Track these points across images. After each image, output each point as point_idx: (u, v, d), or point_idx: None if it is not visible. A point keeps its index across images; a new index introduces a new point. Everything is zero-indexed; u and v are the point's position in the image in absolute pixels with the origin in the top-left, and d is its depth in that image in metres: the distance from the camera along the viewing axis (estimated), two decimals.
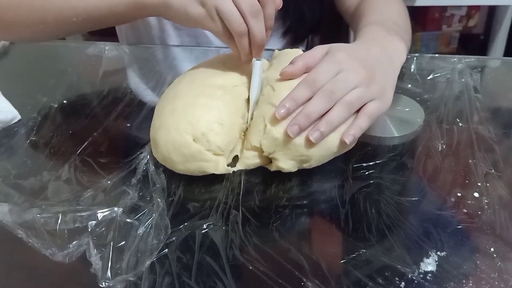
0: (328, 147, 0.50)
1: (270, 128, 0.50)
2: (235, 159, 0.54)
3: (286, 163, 0.50)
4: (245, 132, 0.55)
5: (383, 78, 0.54)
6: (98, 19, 0.62)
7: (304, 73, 0.52)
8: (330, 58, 0.52)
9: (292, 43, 0.89)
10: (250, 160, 0.53)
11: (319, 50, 0.54)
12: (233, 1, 0.51)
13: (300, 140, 0.49)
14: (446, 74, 0.70)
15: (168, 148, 0.50)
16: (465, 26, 1.76)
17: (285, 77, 0.52)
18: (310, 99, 0.50)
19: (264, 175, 0.53)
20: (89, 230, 0.45)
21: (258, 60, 0.55)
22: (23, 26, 0.64)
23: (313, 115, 0.49)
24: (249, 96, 0.55)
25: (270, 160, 0.52)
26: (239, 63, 0.57)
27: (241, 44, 0.53)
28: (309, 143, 0.49)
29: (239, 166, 0.53)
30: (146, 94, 0.71)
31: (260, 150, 0.51)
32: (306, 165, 0.51)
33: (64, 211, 0.46)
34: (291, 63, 0.53)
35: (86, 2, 0.60)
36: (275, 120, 0.50)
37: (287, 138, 0.49)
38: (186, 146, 0.49)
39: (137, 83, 0.74)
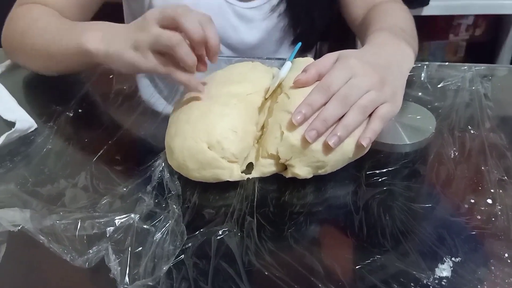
0: (343, 152, 0.51)
1: (287, 134, 0.50)
2: (249, 166, 0.55)
3: (302, 170, 0.51)
4: (259, 139, 0.55)
5: (394, 81, 0.55)
6: (67, 65, 0.72)
7: (317, 80, 0.53)
8: (342, 64, 0.53)
9: (302, 51, 0.90)
10: (266, 168, 0.53)
11: (330, 57, 0.55)
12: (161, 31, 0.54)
13: (317, 146, 0.50)
14: (456, 82, 0.71)
15: (183, 155, 0.51)
16: (472, 35, 1.76)
17: (299, 85, 0.53)
18: (325, 104, 0.51)
19: (278, 182, 0.53)
20: (108, 236, 0.45)
21: (290, 60, 0.59)
22: (32, 60, 0.75)
23: (330, 120, 0.50)
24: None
25: (285, 167, 0.53)
26: (252, 72, 0.58)
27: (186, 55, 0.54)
28: (327, 148, 0.50)
29: (254, 174, 0.54)
30: (159, 103, 0.72)
31: (276, 158, 0.52)
32: (321, 171, 0.51)
33: (83, 217, 0.47)
34: (304, 71, 0.54)
35: (59, 50, 0.68)
36: (292, 127, 0.50)
37: (304, 144, 0.50)
38: (201, 153, 0.50)
39: (150, 93, 0.75)
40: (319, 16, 0.84)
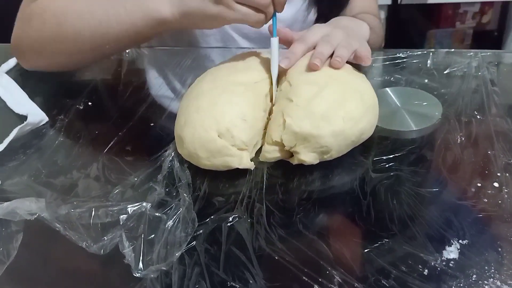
0: (345, 137, 0.52)
1: (289, 122, 0.51)
2: (258, 153, 0.56)
3: (307, 156, 0.52)
4: (267, 126, 0.56)
5: (357, 36, 0.64)
6: (128, 42, 0.67)
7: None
8: (314, 27, 0.63)
9: None
10: (271, 154, 0.54)
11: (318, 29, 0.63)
12: None
13: (319, 131, 0.50)
14: (462, 68, 0.71)
15: (194, 144, 0.52)
16: (479, 23, 1.75)
17: (282, 36, 0.61)
18: (306, 51, 0.60)
19: (286, 169, 0.54)
20: (121, 223, 0.47)
21: (275, 37, 0.59)
22: (64, 56, 0.70)
23: (325, 53, 0.58)
24: (271, 80, 0.59)
25: (291, 154, 0.54)
26: (258, 60, 0.59)
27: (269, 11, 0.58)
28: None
29: (260, 159, 0.55)
30: (167, 94, 0.73)
31: (281, 145, 0.53)
32: (327, 157, 0.52)
33: (96, 206, 0.48)
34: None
35: (115, 29, 0.64)
36: (294, 115, 0.51)
37: (307, 131, 0.51)
38: (211, 141, 0.51)
39: (158, 84, 0.76)
40: None
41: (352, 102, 0.53)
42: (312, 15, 0.85)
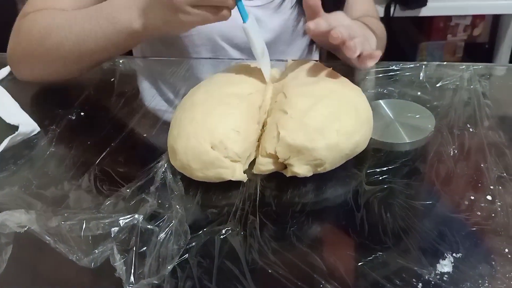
0: (339, 150, 0.52)
1: (283, 135, 0.51)
2: (251, 164, 0.55)
3: (301, 168, 0.51)
4: (260, 138, 0.56)
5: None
6: (107, 53, 0.71)
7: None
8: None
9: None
10: (265, 166, 0.54)
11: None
12: None
13: (313, 144, 0.50)
14: (454, 81, 0.72)
15: (187, 156, 0.51)
16: (470, 35, 1.77)
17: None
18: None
19: (280, 181, 0.54)
20: (112, 236, 0.46)
21: (245, 22, 0.58)
22: (50, 68, 0.73)
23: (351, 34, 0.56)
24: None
25: (285, 166, 0.53)
26: (251, 72, 0.59)
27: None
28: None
29: (254, 172, 0.54)
30: (160, 105, 0.73)
31: (275, 157, 0.53)
32: (320, 169, 0.52)
33: (87, 218, 0.47)
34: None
35: (91, 43, 0.67)
36: (288, 127, 0.51)
37: (301, 143, 0.51)
38: (204, 153, 0.51)
39: (151, 95, 0.76)
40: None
41: (347, 116, 0.53)
42: (303, 24, 0.86)
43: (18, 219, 0.46)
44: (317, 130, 0.51)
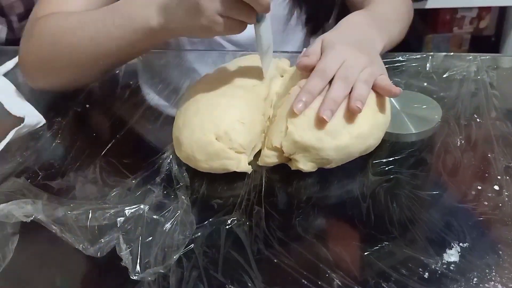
0: (349, 152, 0.51)
1: (291, 130, 0.51)
2: (257, 155, 0.55)
3: (306, 165, 0.51)
4: (266, 129, 0.56)
5: (377, 57, 0.59)
6: (123, 55, 0.67)
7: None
8: (330, 51, 0.55)
9: (312, 32, 0.90)
10: (270, 159, 0.54)
11: (316, 44, 0.58)
12: None
13: (321, 144, 0.50)
14: (461, 72, 0.71)
15: (192, 147, 0.51)
16: (476, 28, 1.76)
17: (302, 66, 0.55)
18: (323, 89, 0.52)
19: (285, 172, 0.54)
20: (118, 226, 0.46)
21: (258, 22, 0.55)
22: (62, 74, 0.69)
23: (339, 99, 0.51)
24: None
25: (290, 159, 0.53)
26: (255, 64, 0.59)
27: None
28: (350, 118, 0.51)
29: (258, 163, 0.54)
30: (165, 97, 0.73)
31: (280, 150, 0.52)
32: (326, 167, 0.52)
33: (93, 208, 0.47)
34: (305, 55, 0.55)
35: (106, 44, 0.63)
36: (297, 123, 0.51)
37: (321, 124, 0.50)
38: (209, 144, 0.51)
39: (154, 88, 0.75)
40: None
41: (364, 119, 0.52)
42: (296, 17, 0.85)
43: (25, 208, 0.46)
44: (328, 131, 0.50)
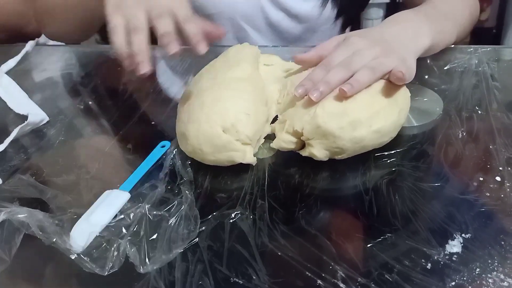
0: (363, 145, 0.52)
1: (318, 113, 0.50)
2: (259, 149, 0.56)
3: (320, 152, 0.51)
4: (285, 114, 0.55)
5: (401, 50, 0.56)
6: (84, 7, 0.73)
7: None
8: (343, 43, 0.55)
9: (344, 25, 0.89)
10: (286, 144, 0.53)
11: (333, 39, 0.57)
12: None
13: (341, 133, 0.50)
14: (462, 64, 0.71)
15: (199, 140, 0.52)
16: (477, 20, 1.75)
17: (297, 61, 0.55)
18: None
19: (287, 166, 0.54)
20: (124, 233, 0.46)
21: None
22: (67, 21, 0.79)
23: (333, 82, 0.51)
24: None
25: (303, 146, 0.53)
26: (244, 52, 0.61)
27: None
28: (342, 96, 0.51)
29: (273, 146, 0.54)
30: (168, 93, 0.73)
31: (299, 135, 0.52)
32: (338, 157, 0.52)
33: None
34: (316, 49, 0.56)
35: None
36: (326, 108, 0.51)
37: (309, 102, 0.51)
38: (217, 137, 0.51)
39: (160, 83, 0.76)
40: None
41: (387, 117, 0.52)
42: (329, 11, 0.84)
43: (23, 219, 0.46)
44: (351, 121, 0.50)
